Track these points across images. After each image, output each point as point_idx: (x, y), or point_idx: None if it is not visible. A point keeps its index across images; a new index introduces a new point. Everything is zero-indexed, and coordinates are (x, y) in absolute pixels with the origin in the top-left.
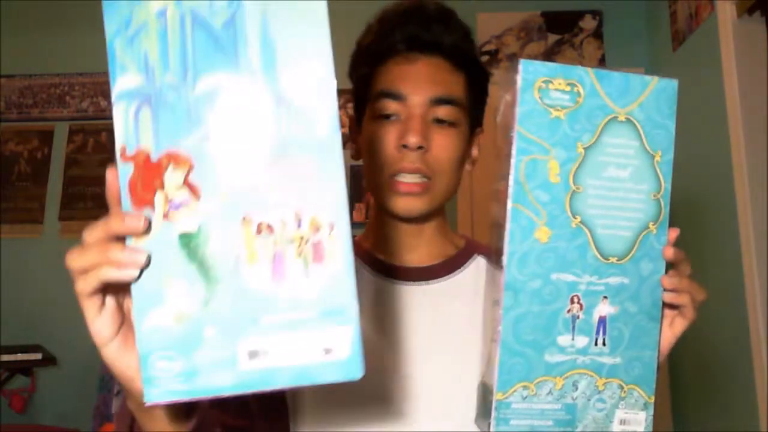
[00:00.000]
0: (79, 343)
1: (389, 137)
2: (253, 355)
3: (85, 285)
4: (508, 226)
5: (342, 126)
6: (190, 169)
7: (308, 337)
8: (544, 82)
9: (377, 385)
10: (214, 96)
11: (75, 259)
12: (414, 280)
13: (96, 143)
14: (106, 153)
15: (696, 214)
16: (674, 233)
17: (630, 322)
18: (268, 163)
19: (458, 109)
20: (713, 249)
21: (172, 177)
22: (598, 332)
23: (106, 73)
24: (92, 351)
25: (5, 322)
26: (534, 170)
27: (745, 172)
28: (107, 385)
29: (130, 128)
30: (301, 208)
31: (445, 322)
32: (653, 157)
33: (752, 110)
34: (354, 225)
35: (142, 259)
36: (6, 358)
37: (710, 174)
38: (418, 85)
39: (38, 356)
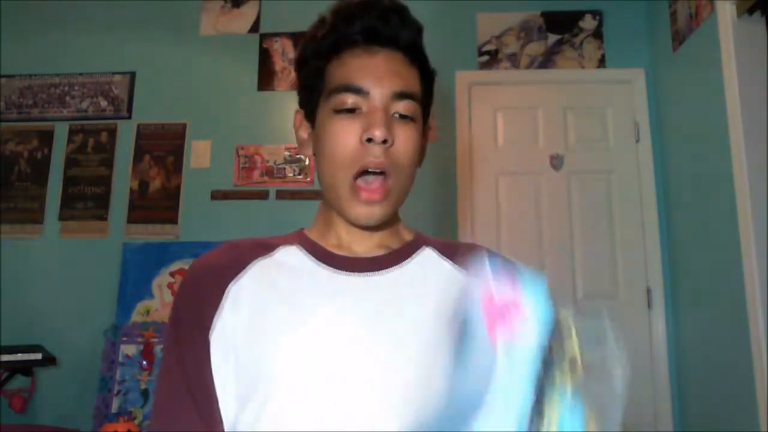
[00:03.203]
0: (79, 343)
1: (352, 131)
2: None
3: None
4: None
5: None
6: None
7: None
8: None
9: (328, 373)
10: None
11: None
12: (362, 271)
13: (96, 143)
14: (106, 153)
15: (696, 213)
16: None
17: None
18: None
19: (416, 104)
20: (713, 249)
21: None
22: None
23: (106, 74)
24: (92, 351)
25: (5, 322)
26: None
27: (745, 172)
28: (107, 385)
29: None
30: None
31: (393, 312)
32: None
33: (752, 110)
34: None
35: None
36: (6, 358)
37: (710, 174)
38: (380, 78)
39: (38, 356)
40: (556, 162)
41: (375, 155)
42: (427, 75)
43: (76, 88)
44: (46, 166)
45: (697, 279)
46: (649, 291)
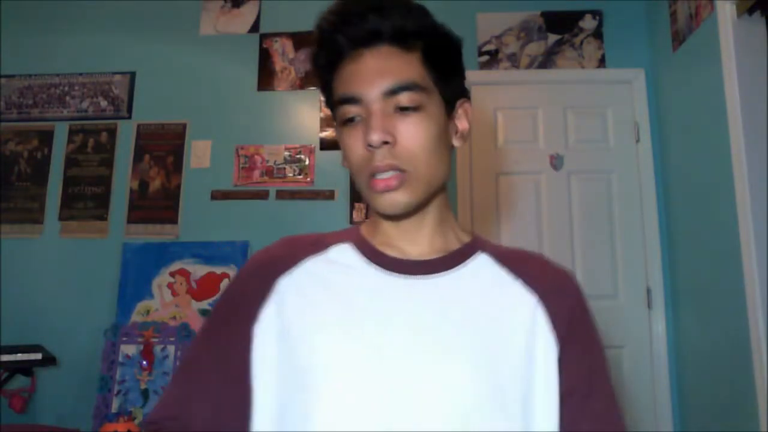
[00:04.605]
0: (79, 343)
1: (356, 140)
2: None
3: None
4: None
5: None
6: None
7: None
8: None
9: (377, 379)
10: None
11: None
12: (414, 274)
13: (96, 143)
14: (106, 153)
15: (696, 213)
16: None
17: None
18: None
19: (418, 92)
20: (713, 249)
21: None
22: None
23: (106, 74)
24: (92, 351)
25: (5, 322)
26: None
27: (745, 172)
28: (107, 385)
29: None
30: None
31: (443, 316)
32: None
33: (752, 110)
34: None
35: None
36: (6, 358)
37: (710, 174)
38: (367, 81)
39: (38, 356)
40: (556, 162)
41: (380, 158)
42: (436, 49)
43: (76, 88)
44: (46, 166)
45: (697, 279)
46: (649, 291)
